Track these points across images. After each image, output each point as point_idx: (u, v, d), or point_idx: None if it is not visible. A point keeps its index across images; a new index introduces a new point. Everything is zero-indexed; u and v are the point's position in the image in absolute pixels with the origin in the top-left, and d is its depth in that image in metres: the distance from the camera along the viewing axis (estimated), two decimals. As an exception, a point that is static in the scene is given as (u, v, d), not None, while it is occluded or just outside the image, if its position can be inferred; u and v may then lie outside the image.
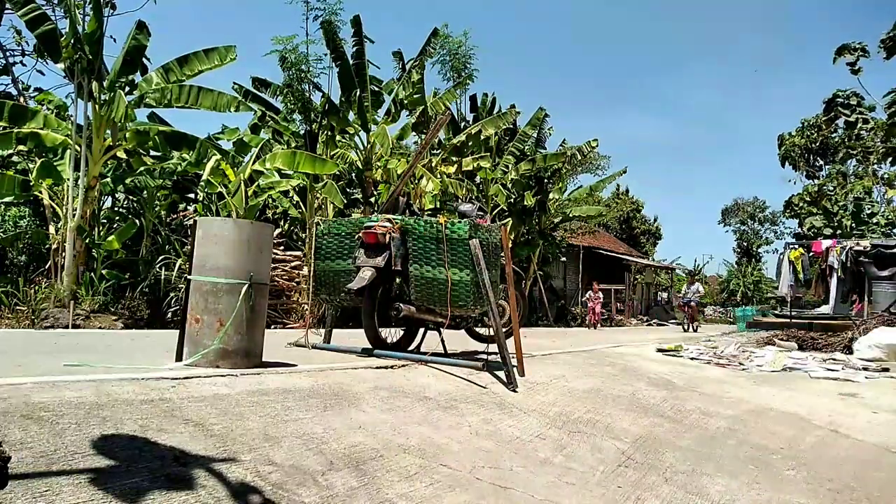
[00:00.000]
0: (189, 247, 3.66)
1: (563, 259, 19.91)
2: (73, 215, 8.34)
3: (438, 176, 12.66)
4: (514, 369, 3.87)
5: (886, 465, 3.44)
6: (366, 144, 12.21)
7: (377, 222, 4.17)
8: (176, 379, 2.66)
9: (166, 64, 9.42)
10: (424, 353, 4.29)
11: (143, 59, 9.26)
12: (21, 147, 8.88)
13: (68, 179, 8.53)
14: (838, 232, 19.46)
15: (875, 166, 20.63)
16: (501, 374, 3.83)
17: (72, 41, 8.26)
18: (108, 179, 9.66)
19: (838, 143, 22.21)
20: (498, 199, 15.20)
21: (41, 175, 8.55)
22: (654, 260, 34.65)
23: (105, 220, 9.98)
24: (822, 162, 29.45)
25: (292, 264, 10.04)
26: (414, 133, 13.72)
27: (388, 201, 4.58)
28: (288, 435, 2.28)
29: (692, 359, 6.84)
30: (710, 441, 3.47)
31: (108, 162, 9.46)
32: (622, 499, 2.46)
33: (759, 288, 34.72)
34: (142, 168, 9.85)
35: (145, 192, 9.74)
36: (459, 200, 10.85)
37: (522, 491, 2.30)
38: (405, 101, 12.64)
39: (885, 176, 20.48)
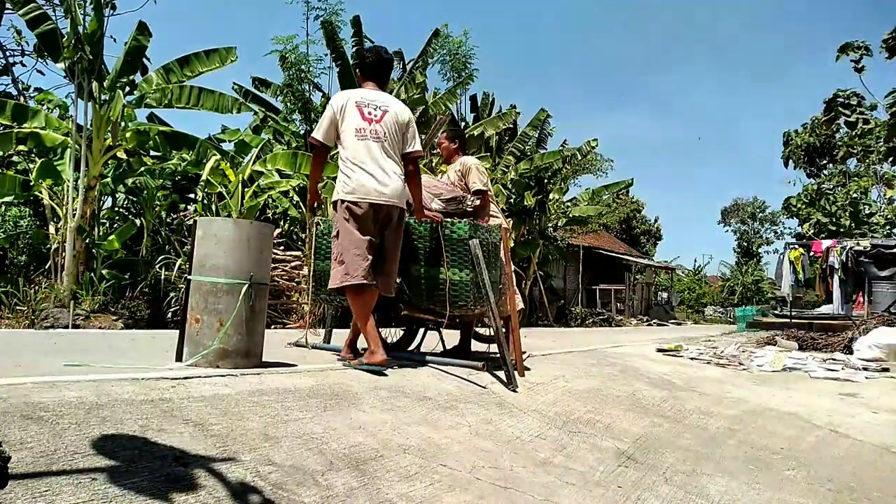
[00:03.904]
0: (189, 247, 3.66)
1: (563, 259, 19.90)
2: (73, 215, 8.34)
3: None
4: (514, 369, 3.87)
5: (886, 465, 3.44)
6: (366, 144, 12.19)
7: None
8: (176, 379, 2.66)
9: (167, 64, 9.42)
10: (424, 353, 4.29)
11: (144, 60, 9.27)
12: (21, 147, 8.88)
13: (68, 179, 8.53)
14: (841, 231, 19.45)
15: (875, 166, 20.60)
16: (501, 374, 3.83)
17: (72, 41, 8.25)
18: (108, 179, 9.66)
19: (839, 142, 22.18)
20: (498, 200, 15.19)
21: (41, 175, 8.55)
22: (653, 260, 34.65)
23: (105, 220, 9.97)
24: (824, 161, 29.37)
25: (292, 264, 10.03)
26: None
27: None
28: (288, 435, 2.28)
29: (692, 359, 6.84)
30: (710, 441, 3.47)
31: (109, 162, 9.45)
32: (622, 499, 2.46)
33: (759, 288, 34.69)
34: (142, 168, 9.84)
35: (145, 192, 9.73)
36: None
37: (522, 491, 2.30)
38: (406, 102, 12.64)
39: (885, 175, 20.45)
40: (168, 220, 10.18)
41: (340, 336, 4.31)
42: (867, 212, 20.02)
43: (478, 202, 4.30)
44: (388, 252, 3.62)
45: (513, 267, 4.52)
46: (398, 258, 3.69)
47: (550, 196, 16.57)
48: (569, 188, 18.01)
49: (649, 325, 22.42)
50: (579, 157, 16.92)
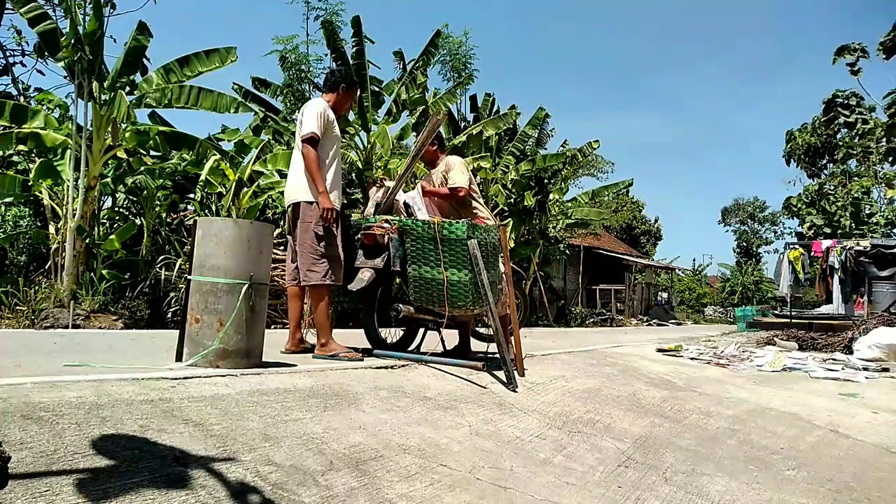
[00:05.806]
0: (189, 247, 3.67)
1: (563, 259, 19.89)
2: (73, 215, 8.33)
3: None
4: (514, 369, 3.87)
5: (886, 465, 3.44)
6: (366, 145, 12.21)
7: (375, 223, 4.17)
8: (176, 379, 2.66)
9: (167, 64, 9.41)
10: (424, 353, 4.29)
11: (144, 60, 9.26)
12: (21, 147, 8.88)
13: (68, 179, 8.53)
14: (839, 232, 19.44)
15: (876, 166, 20.62)
16: (501, 374, 3.83)
17: (72, 41, 8.25)
18: (108, 179, 9.66)
19: (839, 142, 22.19)
20: (498, 200, 15.19)
21: (41, 175, 8.55)
22: (653, 260, 34.65)
23: (105, 220, 9.97)
24: (825, 161, 29.33)
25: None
26: (414, 133, 13.74)
27: (386, 203, 4.57)
28: (288, 435, 2.28)
29: (692, 359, 6.84)
30: (710, 441, 3.47)
31: (109, 162, 9.46)
32: (622, 499, 2.46)
33: (759, 288, 34.68)
34: (142, 168, 9.85)
35: (145, 192, 9.73)
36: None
37: (522, 491, 2.30)
38: (406, 102, 12.64)
39: (885, 176, 20.46)
40: (168, 220, 10.18)
41: (340, 336, 4.31)
42: (868, 212, 20.03)
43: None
44: (297, 243, 3.94)
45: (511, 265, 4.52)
46: (305, 248, 3.86)
47: (550, 196, 16.56)
48: (569, 188, 18.00)
49: (649, 325, 22.42)
50: (580, 158, 16.90)
